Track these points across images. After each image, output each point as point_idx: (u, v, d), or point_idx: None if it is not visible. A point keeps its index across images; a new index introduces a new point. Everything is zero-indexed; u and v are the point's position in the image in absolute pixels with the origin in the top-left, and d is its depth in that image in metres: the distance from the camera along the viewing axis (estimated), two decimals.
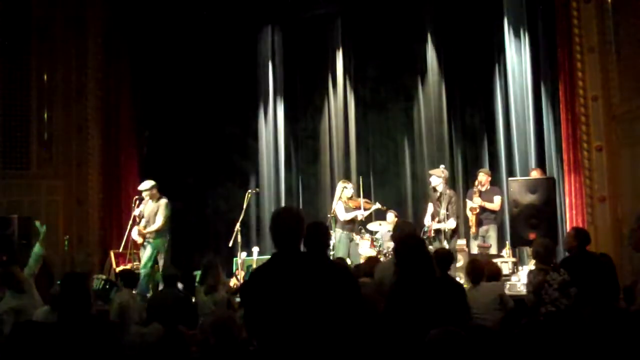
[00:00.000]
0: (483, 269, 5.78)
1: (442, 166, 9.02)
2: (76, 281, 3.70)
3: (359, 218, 9.03)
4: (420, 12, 10.26)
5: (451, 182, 9.94)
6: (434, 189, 8.70)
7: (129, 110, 10.21)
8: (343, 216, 8.92)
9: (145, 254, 8.46)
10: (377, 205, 9.14)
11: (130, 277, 6.65)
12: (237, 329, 4.18)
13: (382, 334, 3.65)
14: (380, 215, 9.43)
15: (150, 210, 8.54)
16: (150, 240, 8.48)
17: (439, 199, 8.61)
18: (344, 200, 9.00)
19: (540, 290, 5.26)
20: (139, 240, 8.53)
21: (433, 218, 8.65)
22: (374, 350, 3.55)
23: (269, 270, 3.25)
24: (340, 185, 9.19)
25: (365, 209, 8.97)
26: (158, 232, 8.52)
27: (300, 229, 3.28)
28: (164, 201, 8.58)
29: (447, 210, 8.37)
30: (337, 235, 8.84)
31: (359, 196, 9.27)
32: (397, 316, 3.72)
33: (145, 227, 8.48)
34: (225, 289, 6.60)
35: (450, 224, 8.37)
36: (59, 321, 3.42)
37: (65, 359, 3.24)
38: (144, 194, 8.60)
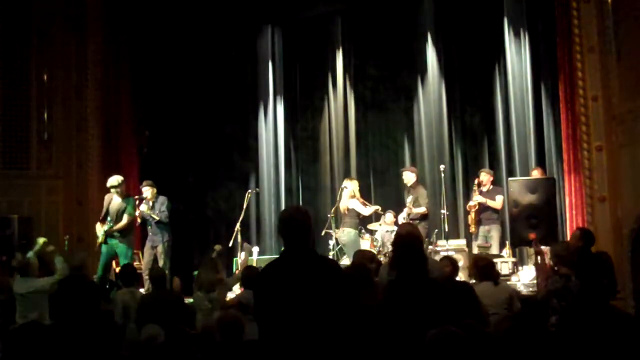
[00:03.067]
0: (494, 267, 5.76)
1: (442, 165, 9.06)
2: (71, 285, 3.66)
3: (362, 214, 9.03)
4: (420, 12, 10.26)
5: (451, 182, 9.97)
6: (406, 185, 8.99)
7: (129, 110, 10.21)
8: (363, 211, 8.86)
9: (121, 257, 8.22)
10: (377, 207, 9.16)
11: (129, 276, 6.64)
12: (243, 328, 4.18)
13: (378, 332, 3.65)
14: (380, 216, 9.43)
15: (117, 208, 8.29)
16: (118, 240, 8.24)
17: (409, 192, 8.92)
18: (357, 196, 8.95)
19: (557, 297, 5.18)
20: (101, 238, 8.24)
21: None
22: (372, 350, 3.56)
23: (281, 267, 3.26)
24: (346, 181, 9.14)
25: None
26: (123, 232, 8.31)
27: (311, 227, 3.31)
28: (130, 200, 8.40)
29: (415, 201, 8.71)
30: (349, 234, 8.73)
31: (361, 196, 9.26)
32: (393, 315, 3.72)
33: (111, 226, 8.22)
34: (225, 288, 6.58)
35: (420, 209, 8.69)
36: (55, 323, 3.40)
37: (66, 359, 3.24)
38: (112, 190, 8.32)
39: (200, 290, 6.28)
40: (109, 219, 8.30)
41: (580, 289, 5.02)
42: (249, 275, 6.02)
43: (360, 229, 9.24)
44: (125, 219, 8.26)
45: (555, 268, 5.54)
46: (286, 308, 3.09)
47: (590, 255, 5.78)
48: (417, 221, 8.58)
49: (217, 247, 7.86)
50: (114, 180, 8.35)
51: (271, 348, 3.12)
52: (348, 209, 8.81)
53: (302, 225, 3.25)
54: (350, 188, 8.94)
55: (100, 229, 8.31)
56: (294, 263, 3.20)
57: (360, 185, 9.97)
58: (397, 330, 3.61)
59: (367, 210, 8.91)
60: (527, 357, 3.14)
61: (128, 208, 8.30)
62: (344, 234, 8.71)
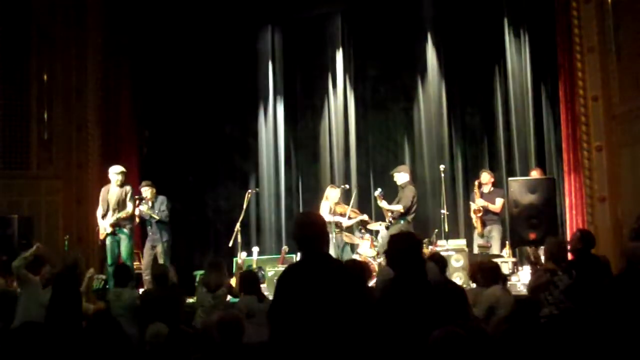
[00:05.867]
0: (500, 270, 5.74)
1: (442, 166, 9.06)
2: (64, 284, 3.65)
3: (344, 224, 9.11)
4: (420, 12, 10.25)
5: (451, 182, 9.96)
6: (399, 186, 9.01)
7: (129, 110, 10.21)
8: (326, 217, 8.98)
9: (124, 247, 8.36)
10: (364, 217, 9.17)
11: (123, 276, 6.63)
12: (242, 328, 4.18)
13: (376, 335, 3.66)
14: (380, 216, 9.42)
15: (118, 197, 8.40)
16: (124, 229, 8.37)
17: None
18: (331, 202, 9.04)
19: (543, 291, 5.22)
20: (109, 229, 8.31)
21: None
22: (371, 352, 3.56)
23: (300, 271, 3.29)
24: (328, 189, 9.24)
25: (350, 218, 9.05)
26: (128, 220, 8.47)
27: (327, 232, 3.38)
28: (129, 188, 8.53)
29: (398, 201, 8.79)
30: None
31: (348, 203, 9.28)
32: (390, 318, 3.71)
33: (119, 217, 8.32)
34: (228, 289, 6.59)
35: (396, 206, 8.75)
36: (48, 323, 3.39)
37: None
38: (114, 179, 8.43)
39: (205, 289, 6.28)
40: (111, 209, 8.35)
41: (570, 284, 5.02)
42: (249, 279, 6.01)
43: (360, 229, 9.26)
44: (129, 207, 8.37)
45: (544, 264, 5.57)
46: (306, 312, 3.11)
47: (589, 257, 5.76)
48: (396, 220, 8.71)
49: None
50: (118, 168, 8.47)
51: (286, 350, 3.14)
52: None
53: (320, 230, 3.30)
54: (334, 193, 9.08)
55: (103, 222, 8.34)
56: (314, 268, 3.22)
57: (360, 186, 10.05)
58: (394, 330, 3.61)
59: (329, 217, 8.88)
60: (526, 354, 3.14)
61: (130, 195, 8.40)
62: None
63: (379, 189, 8.92)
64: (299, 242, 3.32)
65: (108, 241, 8.41)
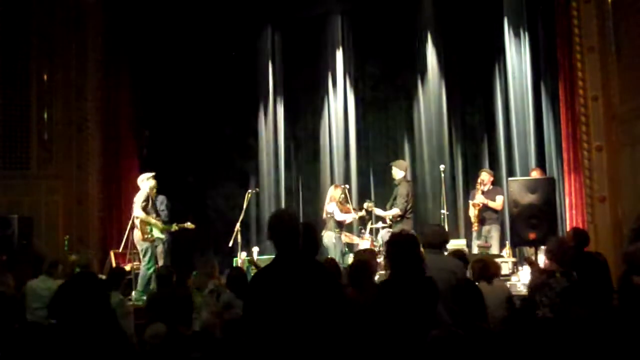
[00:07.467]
0: (491, 267, 5.76)
1: (442, 165, 9.07)
2: (83, 281, 3.64)
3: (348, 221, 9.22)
4: (420, 12, 10.26)
5: (451, 182, 9.97)
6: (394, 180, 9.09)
7: (129, 110, 10.21)
8: (339, 217, 9.05)
9: (160, 252, 8.47)
10: (361, 213, 9.23)
11: (116, 278, 6.61)
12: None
13: (372, 331, 3.65)
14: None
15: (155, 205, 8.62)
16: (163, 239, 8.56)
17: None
18: (337, 202, 9.07)
19: (537, 292, 5.20)
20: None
21: None
22: (367, 349, 3.56)
23: (272, 272, 3.28)
24: (332, 188, 9.29)
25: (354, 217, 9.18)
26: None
27: (298, 231, 3.32)
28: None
29: (394, 200, 8.83)
30: (329, 237, 8.89)
31: (349, 201, 9.33)
32: (387, 314, 3.71)
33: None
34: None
35: (393, 211, 8.81)
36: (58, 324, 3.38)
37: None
38: (155, 190, 8.60)
39: (195, 289, 6.31)
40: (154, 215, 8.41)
41: (566, 286, 5.00)
42: (236, 276, 6.03)
43: (360, 229, 9.27)
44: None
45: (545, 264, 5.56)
46: (282, 316, 3.10)
47: (582, 255, 5.76)
48: (394, 224, 8.73)
49: None
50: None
51: (265, 354, 3.13)
52: (328, 213, 9.03)
53: (292, 230, 3.28)
54: (330, 194, 9.13)
55: (152, 221, 8.25)
56: (288, 269, 3.21)
57: (360, 186, 10.04)
58: (390, 329, 3.61)
59: (342, 216, 9.01)
60: (518, 355, 3.14)
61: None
62: (324, 236, 8.83)
63: (367, 201, 8.99)
64: (273, 242, 3.33)
65: (157, 242, 8.35)
